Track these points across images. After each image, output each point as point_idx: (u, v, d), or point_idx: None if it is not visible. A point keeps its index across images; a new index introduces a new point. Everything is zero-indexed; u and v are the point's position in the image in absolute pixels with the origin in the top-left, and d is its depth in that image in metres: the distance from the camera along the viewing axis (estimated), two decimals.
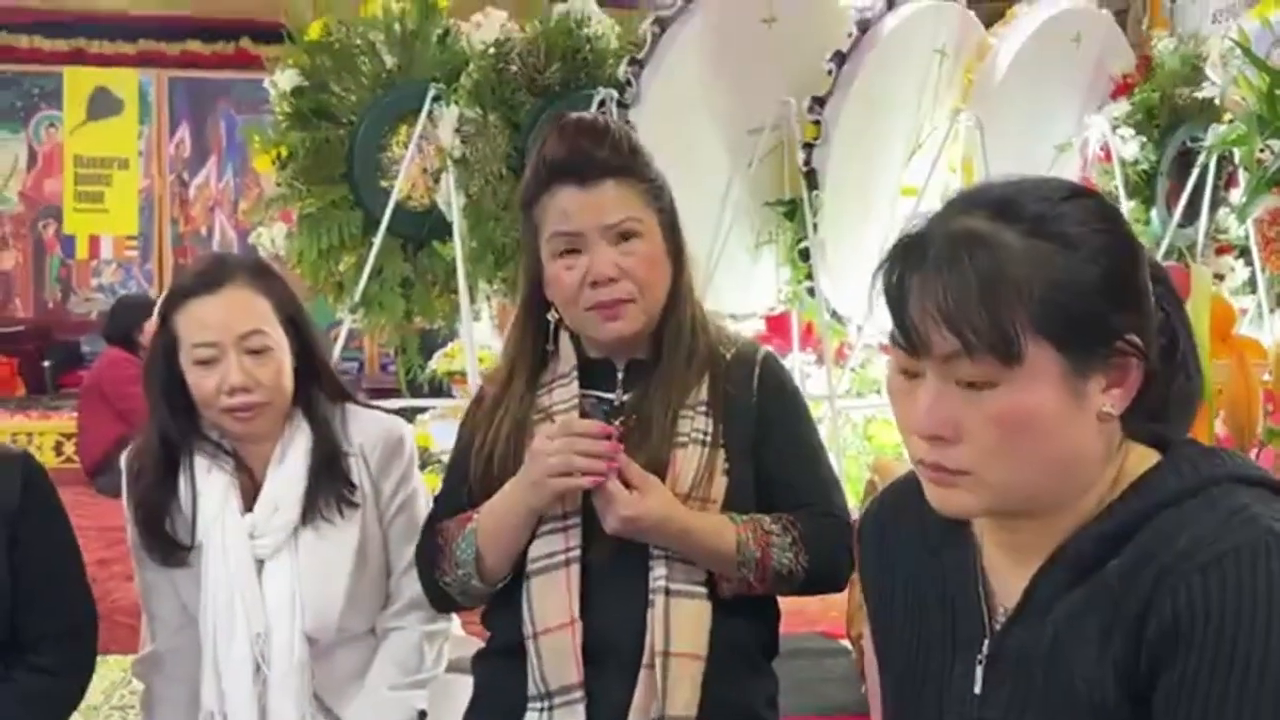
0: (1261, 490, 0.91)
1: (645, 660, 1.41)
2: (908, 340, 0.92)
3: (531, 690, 1.44)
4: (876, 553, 1.11)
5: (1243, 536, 0.86)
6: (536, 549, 1.46)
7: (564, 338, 1.54)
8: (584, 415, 1.49)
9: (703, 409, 1.48)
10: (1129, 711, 0.88)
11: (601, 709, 1.42)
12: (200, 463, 1.69)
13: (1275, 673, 0.82)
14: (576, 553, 1.44)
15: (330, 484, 1.67)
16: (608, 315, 1.46)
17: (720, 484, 1.47)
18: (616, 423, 1.47)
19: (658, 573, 1.43)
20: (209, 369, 1.62)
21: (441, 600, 1.57)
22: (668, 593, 1.43)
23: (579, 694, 1.41)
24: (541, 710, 1.43)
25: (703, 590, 1.45)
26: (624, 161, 1.47)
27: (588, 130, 1.48)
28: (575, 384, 1.51)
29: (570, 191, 1.46)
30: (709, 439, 1.47)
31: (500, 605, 1.51)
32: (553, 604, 1.43)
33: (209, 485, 1.68)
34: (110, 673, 3.18)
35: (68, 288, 8.58)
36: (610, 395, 1.52)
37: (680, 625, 1.42)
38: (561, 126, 1.50)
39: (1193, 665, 0.84)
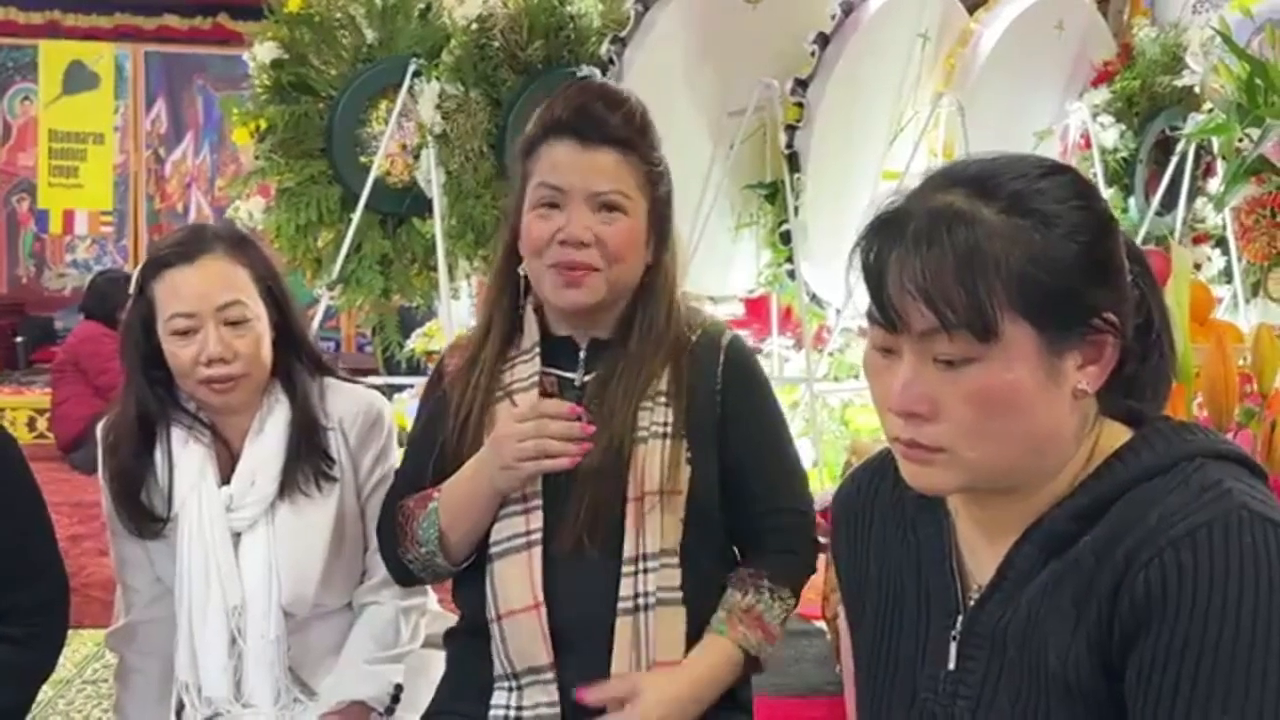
0: (1234, 465, 0.92)
1: (618, 668, 1.41)
2: (885, 317, 0.92)
3: (498, 670, 1.44)
4: (849, 531, 1.11)
5: (1215, 511, 0.86)
6: (498, 531, 1.45)
7: (529, 313, 1.51)
8: (544, 393, 1.48)
9: (662, 400, 1.46)
10: (1102, 686, 0.89)
11: (572, 686, 1.42)
12: (177, 434, 1.68)
13: (1246, 646, 0.82)
14: (538, 535, 1.43)
15: (308, 457, 1.67)
16: (568, 280, 1.43)
17: (685, 474, 1.45)
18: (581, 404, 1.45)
19: (626, 590, 1.41)
20: (187, 339, 1.60)
21: (404, 575, 1.56)
22: (644, 608, 1.41)
23: (549, 675, 1.41)
24: (510, 690, 1.43)
25: (677, 595, 1.44)
26: (629, 135, 1.44)
27: (603, 94, 1.46)
28: (537, 361, 1.49)
29: (567, 146, 1.43)
30: (670, 430, 1.45)
31: (467, 584, 1.51)
32: (515, 587, 1.43)
33: (186, 457, 1.67)
34: (83, 646, 3.18)
35: (41, 263, 8.49)
36: (571, 375, 1.49)
37: (660, 636, 1.42)
38: (581, 85, 1.48)
39: (1165, 639, 0.85)
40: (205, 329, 1.60)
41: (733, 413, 1.49)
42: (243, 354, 1.62)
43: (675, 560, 1.44)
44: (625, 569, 1.42)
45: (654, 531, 1.42)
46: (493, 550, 1.45)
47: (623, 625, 1.41)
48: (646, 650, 1.41)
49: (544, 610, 1.41)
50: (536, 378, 1.48)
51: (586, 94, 1.45)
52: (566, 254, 1.42)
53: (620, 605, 1.41)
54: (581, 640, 1.42)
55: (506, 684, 1.44)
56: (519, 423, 1.41)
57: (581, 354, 1.49)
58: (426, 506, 1.48)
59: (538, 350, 1.49)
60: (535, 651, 1.41)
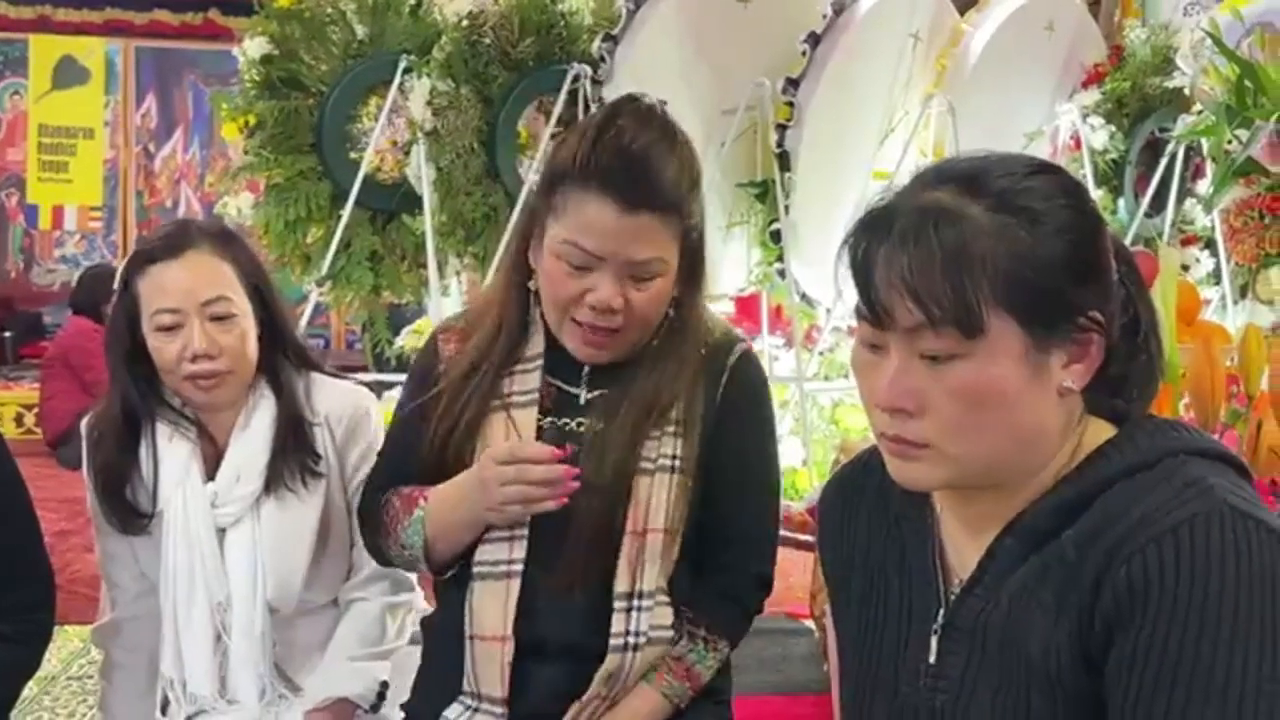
0: (1218, 463, 0.92)
1: (595, 693, 1.39)
2: (872, 312, 0.92)
3: (465, 686, 1.43)
4: (835, 526, 1.12)
5: (1197, 507, 0.86)
6: (481, 553, 1.43)
7: (537, 320, 1.46)
8: (544, 409, 1.44)
9: (671, 429, 1.41)
10: (1083, 679, 0.89)
11: (543, 693, 1.41)
12: (162, 430, 1.67)
13: (1226, 641, 0.83)
14: (519, 566, 1.40)
15: (294, 453, 1.66)
16: (591, 341, 1.39)
17: (685, 512, 1.42)
18: (576, 423, 1.42)
19: (618, 626, 1.39)
20: (171, 335, 1.60)
21: (383, 561, 1.56)
22: (634, 648, 1.39)
23: (501, 709, 1.40)
24: (467, 707, 1.43)
25: (668, 635, 1.42)
26: (676, 199, 1.36)
27: (657, 148, 1.35)
28: (538, 374, 1.44)
29: (608, 210, 1.33)
30: (680, 465, 1.40)
31: (452, 586, 1.48)
32: (490, 614, 1.40)
33: (171, 453, 1.66)
34: (68, 643, 3.17)
35: (30, 258, 8.45)
36: (575, 390, 1.45)
37: (637, 675, 1.41)
38: (632, 116, 1.36)
39: (1145, 633, 0.85)
40: (190, 325, 1.59)
41: (721, 440, 1.44)
42: (228, 350, 1.61)
43: (667, 598, 1.42)
44: (618, 604, 1.38)
45: (652, 569, 1.39)
46: (475, 570, 1.43)
47: (610, 660, 1.38)
48: (620, 684, 1.40)
49: (510, 645, 1.39)
50: (536, 394, 1.43)
51: (637, 140, 1.34)
52: (594, 318, 1.37)
53: (611, 642, 1.38)
54: (552, 670, 1.40)
55: (466, 700, 1.43)
56: (500, 465, 1.35)
57: (585, 369, 1.45)
58: (413, 512, 1.45)
59: (541, 362, 1.45)
60: (494, 683, 1.40)
